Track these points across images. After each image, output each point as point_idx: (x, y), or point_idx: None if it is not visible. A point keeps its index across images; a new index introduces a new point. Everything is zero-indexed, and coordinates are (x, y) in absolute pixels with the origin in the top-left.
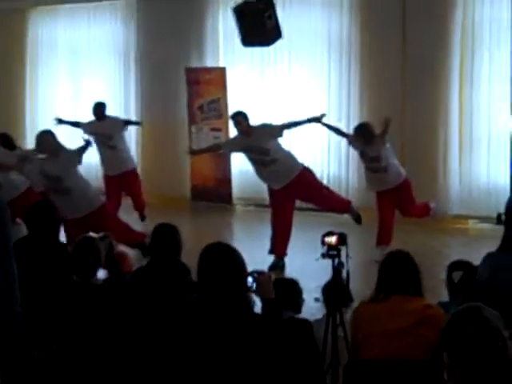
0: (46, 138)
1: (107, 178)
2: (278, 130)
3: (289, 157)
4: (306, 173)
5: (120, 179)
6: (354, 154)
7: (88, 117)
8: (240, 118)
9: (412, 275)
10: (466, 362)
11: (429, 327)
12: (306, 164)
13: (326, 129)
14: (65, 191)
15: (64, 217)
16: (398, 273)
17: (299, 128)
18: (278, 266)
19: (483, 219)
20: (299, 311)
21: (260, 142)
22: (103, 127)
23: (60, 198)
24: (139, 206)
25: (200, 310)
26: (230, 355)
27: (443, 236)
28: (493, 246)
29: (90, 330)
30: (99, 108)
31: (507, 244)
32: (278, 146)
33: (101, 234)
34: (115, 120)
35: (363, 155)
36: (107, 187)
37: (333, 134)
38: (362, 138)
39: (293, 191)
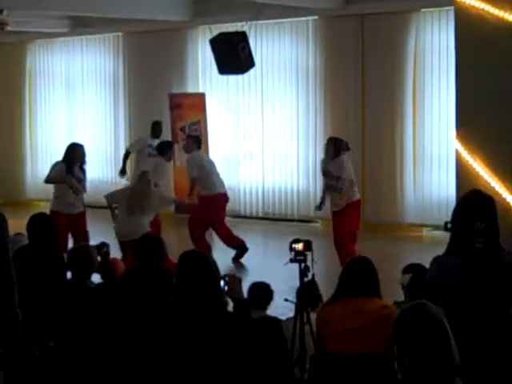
0: None
1: None
2: None
3: None
4: None
5: None
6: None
7: (82, 139)
8: None
9: (371, 279)
10: (413, 352)
11: (386, 325)
12: None
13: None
14: None
15: None
16: (359, 277)
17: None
18: None
19: (435, 227)
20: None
21: None
22: None
23: None
24: None
25: (178, 311)
26: (204, 350)
27: (400, 243)
28: (444, 251)
29: (83, 327)
30: None
31: (452, 248)
32: None
33: (98, 243)
34: None
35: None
36: None
37: (302, 152)
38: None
39: None
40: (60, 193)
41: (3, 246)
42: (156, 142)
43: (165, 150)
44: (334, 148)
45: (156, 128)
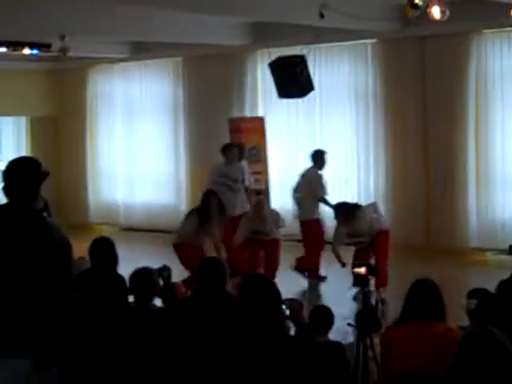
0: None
1: None
2: None
3: None
4: None
5: None
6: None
7: (143, 163)
8: None
9: (435, 302)
10: (477, 377)
11: (451, 348)
12: None
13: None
14: None
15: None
16: (423, 299)
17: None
18: None
19: (500, 251)
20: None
21: None
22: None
23: None
24: None
25: (240, 336)
26: (269, 375)
27: (464, 267)
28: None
29: (146, 350)
30: None
31: None
32: None
33: (160, 266)
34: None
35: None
36: None
37: (362, 176)
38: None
39: None
40: None
41: (68, 270)
42: (231, 169)
43: (316, 159)
44: (344, 215)
45: (230, 152)
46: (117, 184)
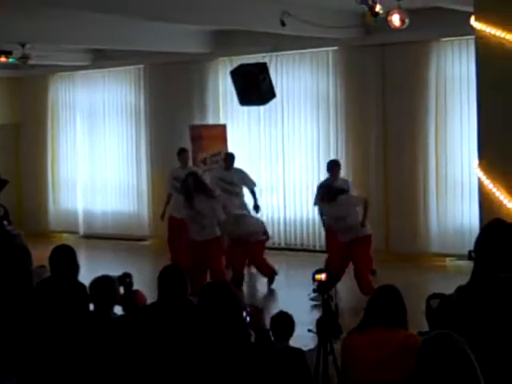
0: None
1: None
2: None
3: None
4: None
5: None
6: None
7: (104, 170)
8: None
9: (398, 309)
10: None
11: (411, 355)
12: None
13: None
14: None
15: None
16: (386, 306)
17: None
18: None
19: (459, 256)
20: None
21: None
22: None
23: None
24: None
25: (201, 343)
26: (229, 381)
27: (423, 272)
28: (467, 280)
29: (107, 358)
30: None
31: (475, 278)
32: None
33: (121, 273)
34: None
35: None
36: None
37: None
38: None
39: None
40: None
41: (27, 280)
42: (183, 172)
43: (329, 168)
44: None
45: (183, 156)
46: (77, 191)
